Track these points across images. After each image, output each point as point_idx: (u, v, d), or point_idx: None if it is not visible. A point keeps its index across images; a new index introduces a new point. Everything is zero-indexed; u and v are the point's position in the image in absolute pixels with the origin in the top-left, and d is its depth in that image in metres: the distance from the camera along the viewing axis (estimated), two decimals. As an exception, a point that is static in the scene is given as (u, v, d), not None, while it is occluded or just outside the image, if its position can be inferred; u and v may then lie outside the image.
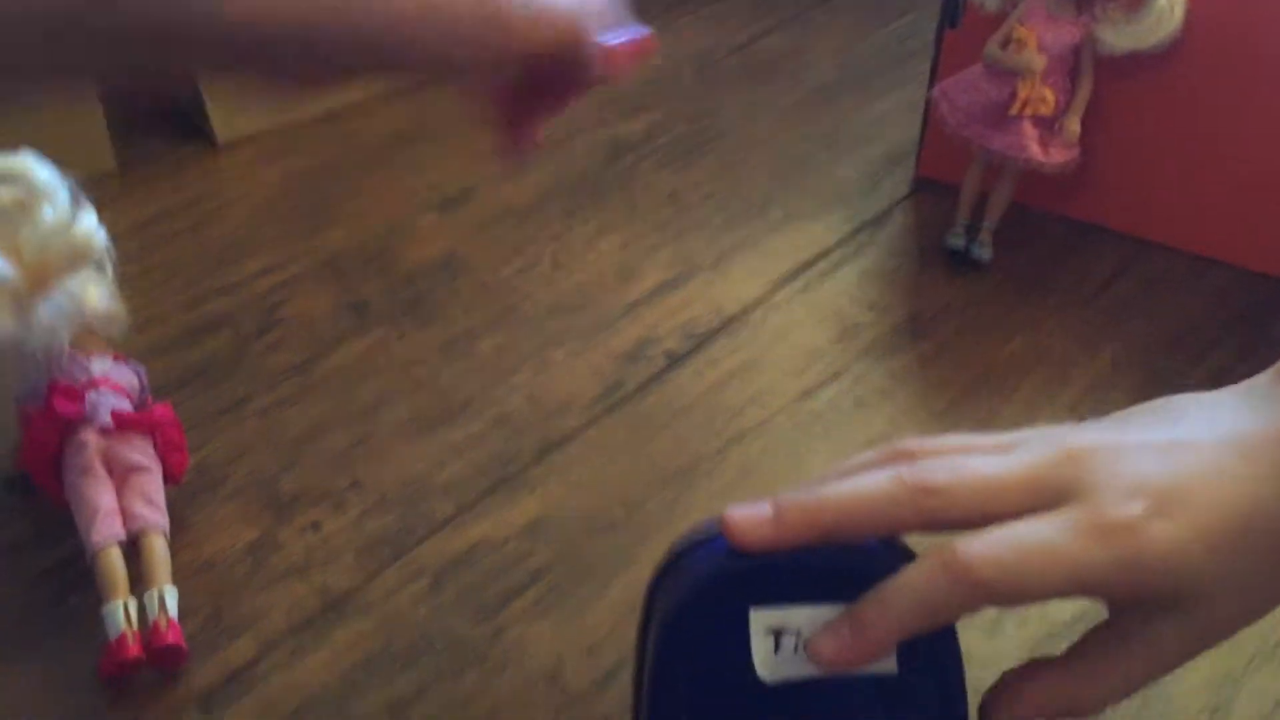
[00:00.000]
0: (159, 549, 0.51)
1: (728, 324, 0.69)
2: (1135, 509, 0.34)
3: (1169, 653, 0.35)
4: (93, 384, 0.53)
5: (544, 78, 0.38)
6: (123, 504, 0.51)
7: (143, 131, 0.85)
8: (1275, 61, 0.67)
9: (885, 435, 0.61)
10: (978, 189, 0.73)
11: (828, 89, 0.91)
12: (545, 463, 0.60)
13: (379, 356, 0.67)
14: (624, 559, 0.55)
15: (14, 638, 0.51)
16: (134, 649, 0.47)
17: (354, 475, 0.59)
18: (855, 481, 0.36)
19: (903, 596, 0.34)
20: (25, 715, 0.48)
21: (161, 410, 0.55)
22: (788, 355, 0.67)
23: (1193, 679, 0.49)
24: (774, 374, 0.65)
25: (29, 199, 0.50)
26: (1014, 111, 0.67)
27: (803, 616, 0.35)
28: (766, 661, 0.35)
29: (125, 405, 0.54)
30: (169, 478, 0.54)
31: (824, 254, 0.74)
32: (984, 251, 0.72)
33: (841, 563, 0.35)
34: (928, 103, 0.75)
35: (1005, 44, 0.68)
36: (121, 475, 0.52)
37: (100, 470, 0.51)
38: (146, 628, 0.48)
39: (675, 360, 0.66)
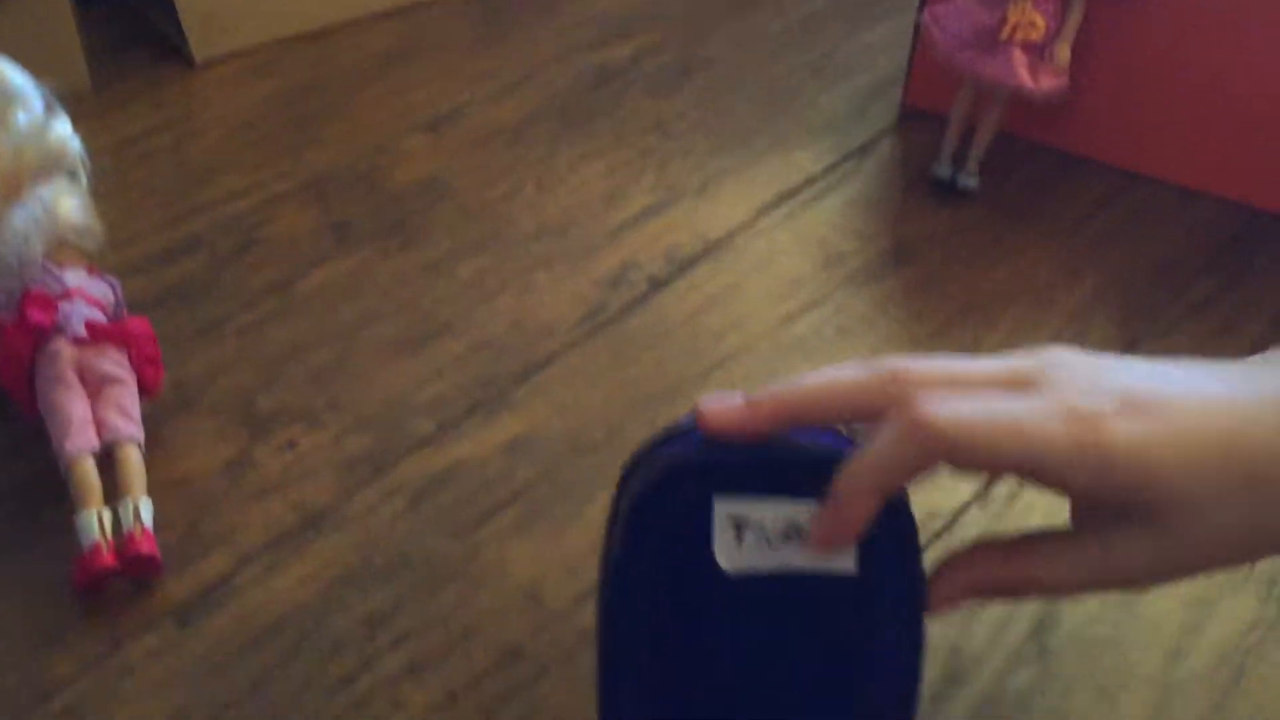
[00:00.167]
0: (134, 460, 0.50)
1: (711, 250, 0.68)
2: (1106, 404, 0.34)
3: (1136, 566, 0.35)
4: (66, 295, 0.52)
5: None
6: (97, 415, 0.51)
7: (118, 50, 0.83)
8: (1269, -10, 0.66)
9: (868, 361, 0.61)
10: (965, 118, 0.72)
11: (816, 17, 0.90)
12: (527, 384, 0.60)
13: (361, 277, 0.66)
14: (604, 479, 0.54)
15: (-12, 550, 0.51)
16: (108, 558, 0.47)
17: (333, 394, 0.59)
18: (829, 371, 0.36)
19: (868, 457, 0.34)
20: (-1, 626, 0.48)
21: (136, 322, 0.54)
22: (771, 282, 0.66)
23: (1168, 602, 0.49)
24: (757, 300, 0.65)
25: (1, 103, 0.49)
26: (1004, 36, 0.67)
27: (767, 510, 0.36)
28: (728, 551, 0.36)
29: (99, 317, 0.53)
30: (144, 391, 0.54)
31: (809, 182, 0.74)
32: (970, 181, 0.72)
33: (811, 463, 0.36)
34: (916, 29, 0.75)
35: (997, -32, 0.67)
36: (95, 386, 0.51)
37: (74, 380, 0.51)
38: (121, 538, 0.48)
39: (658, 285, 0.66)
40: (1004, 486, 0.54)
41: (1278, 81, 0.67)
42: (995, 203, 0.72)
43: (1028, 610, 0.49)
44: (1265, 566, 0.51)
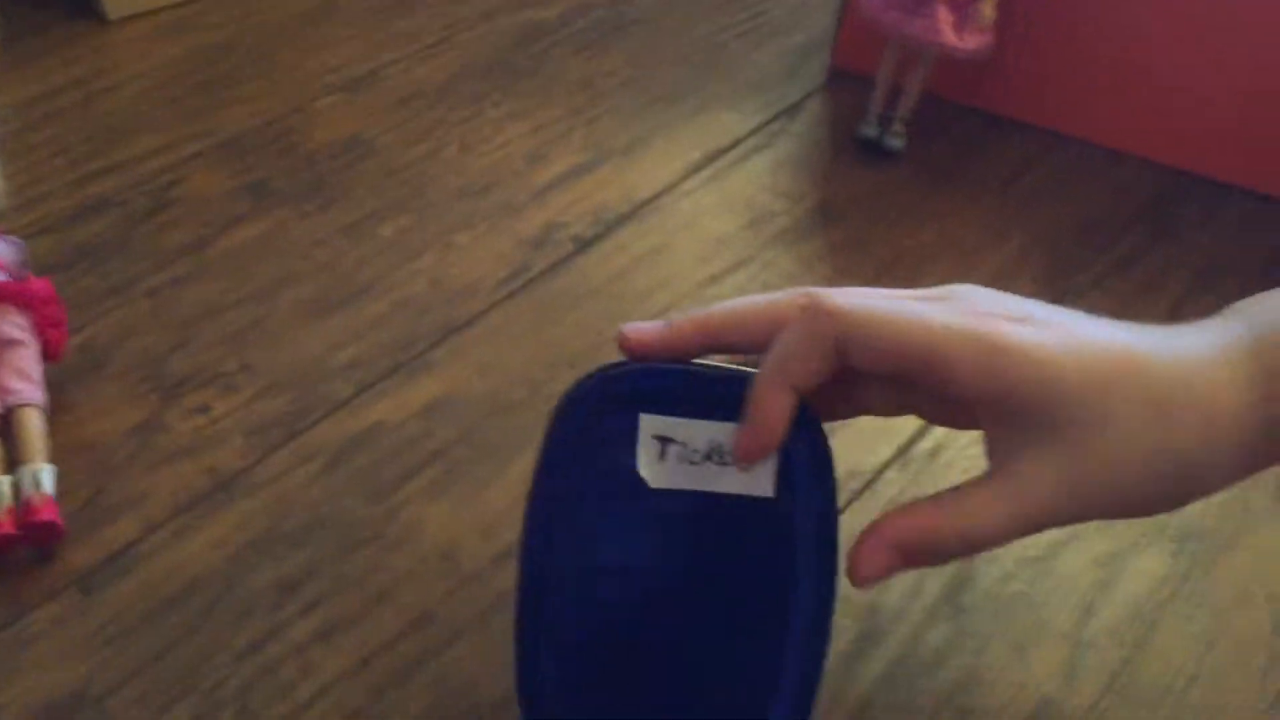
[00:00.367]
0: (34, 424, 0.49)
1: (637, 210, 0.68)
2: (1007, 311, 0.35)
3: (1044, 493, 0.35)
4: (-37, 254, 0.51)
5: None
6: (-5, 378, 0.49)
7: (30, 6, 0.81)
8: (1192, -50, 0.66)
9: (792, 321, 0.61)
10: (892, 78, 0.72)
11: (748, -23, 0.89)
12: (447, 345, 0.59)
13: (278, 238, 0.65)
14: (525, 439, 0.54)
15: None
16: (6, 525, 0.46)
17: (247, 357, 0.58)
18: (749, 297, 0.38)
19: (775, 349, 0.36)
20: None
21: (39, 284, 0.52)
22: (697, 242, 0.66)
23: (1080, 559, 0.50)
24: (682, 260, 0.64)
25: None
26: (929, -6, 0.66)
27: (691, 430, 0.36)
28: (651, 466, 0.36)
29: (1, 278, 0.51)
30: (47, 355, 0.52)
31: (736, 142, 0.73)
32: (896, 141, 0.71)
33: (734, 385, 0.36)
34: (845, -12, 0.74)
35: (923, -74, 0.67)
36: (-6, 349, 0.50)
37: (-30, 342, 0.49)
38: (20, 504, 0.47)
39: (583, 245, 0.65)
40: (925, 443, 0.54)
41: (1197, 45, 0.68)
42: (922, 163, 0.72)
43: (943, 569, 0.49)
44: (1176, 521, 0.51)
